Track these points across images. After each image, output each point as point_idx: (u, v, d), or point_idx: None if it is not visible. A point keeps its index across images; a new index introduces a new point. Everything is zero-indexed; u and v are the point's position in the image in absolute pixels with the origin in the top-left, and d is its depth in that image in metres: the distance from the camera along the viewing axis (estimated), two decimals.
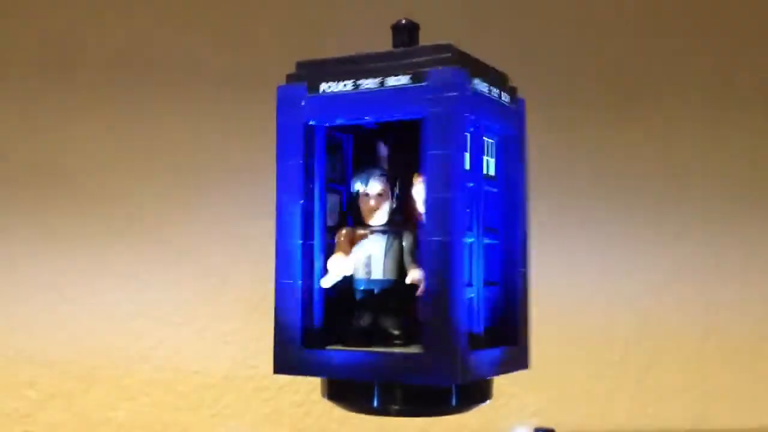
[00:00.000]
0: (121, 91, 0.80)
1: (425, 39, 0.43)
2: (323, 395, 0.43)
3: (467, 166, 0.41)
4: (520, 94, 0.46)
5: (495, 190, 0.44)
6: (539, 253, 0.82)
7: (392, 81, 0.40)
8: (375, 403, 0.40)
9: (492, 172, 0.44)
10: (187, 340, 0.78)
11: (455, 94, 0.39)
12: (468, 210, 0.41)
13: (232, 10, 0.82)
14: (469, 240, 0.41)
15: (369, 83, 0.40)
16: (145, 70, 0.80)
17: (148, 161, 0.80)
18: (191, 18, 0.82)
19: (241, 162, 0.80)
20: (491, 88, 0.42)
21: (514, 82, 0.46)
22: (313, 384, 0.70)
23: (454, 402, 0.40)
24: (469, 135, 0.41)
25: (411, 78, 0.40)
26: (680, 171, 0.87)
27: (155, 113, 0.80)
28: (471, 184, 0.41)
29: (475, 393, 0.42)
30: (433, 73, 0.39)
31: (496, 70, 0.44)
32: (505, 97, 0.44)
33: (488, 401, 0.43)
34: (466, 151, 0.40)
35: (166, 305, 0.78)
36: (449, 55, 0.40)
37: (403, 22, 0.43)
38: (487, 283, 0.42)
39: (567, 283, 0.85)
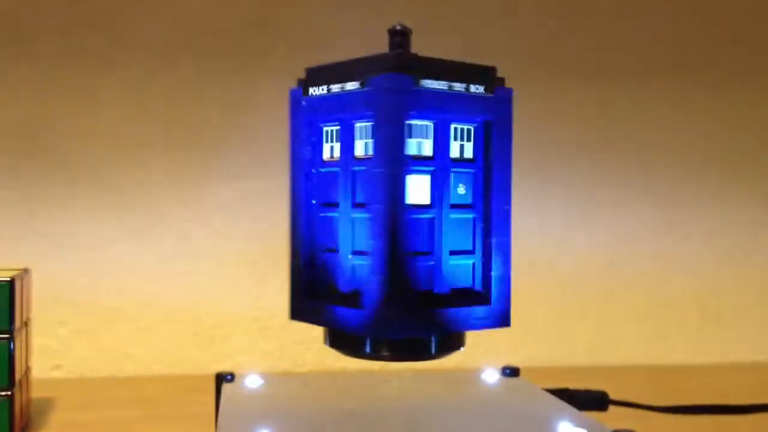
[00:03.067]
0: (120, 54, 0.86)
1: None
2: (325, 343, 0.51)
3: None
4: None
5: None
6: (518, 213, 0.90)
7: (473, 88, 0.49)
8: (368, 350, 0.49)
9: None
10: (199, 286, 0.86)
11: (510, 106, 0.50)
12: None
13: None
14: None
15: (458, 86, 0.49)
16: (134, 33, 0.87)
17: (162, 130, 0.86)
18: None
19: (241, 132, 0.87)
20: None
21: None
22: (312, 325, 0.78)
23: (434, 350, 0.49)
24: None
25: (485, 89, 0.49)
26: (645, 140, 0.95)
27: (159, 78, 0.86)
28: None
29: (452, 342, 0.49)
30: (501, 90, 0.49)
31: None
32: None
33: (462, 348, 0.51)
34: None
35: (180, 256, 0.86)
36: (500, 76, 0.50)
37: (398, 27, 0.50)
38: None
39: (537, 235, 0.93)
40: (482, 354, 0.84)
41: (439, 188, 0.49)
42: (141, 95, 0.86)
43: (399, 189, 0.46)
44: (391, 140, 0.46)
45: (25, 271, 0.64)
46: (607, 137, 0.94)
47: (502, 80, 0.50)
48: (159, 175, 0.86)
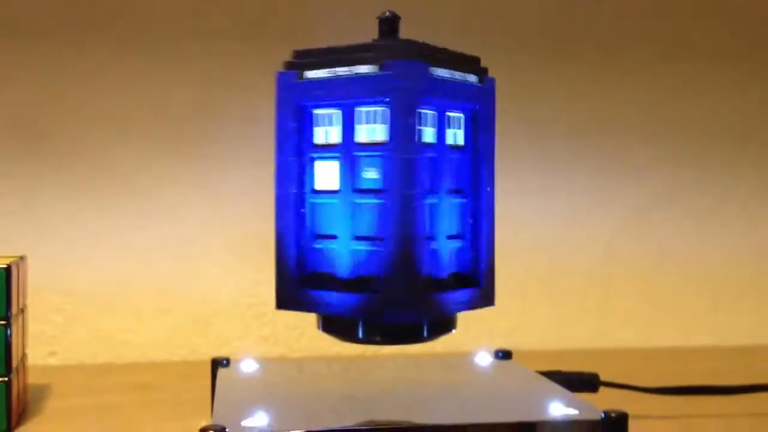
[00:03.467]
0: (131, 49, 0.86)
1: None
2: (318, 328, 0.52)
3: (428, 139, 0.49)
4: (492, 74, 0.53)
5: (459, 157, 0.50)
6: (518, 198, 0.91)
7: (362, 69, 0.47)
8: (360, 335, 0.49)
9: (460, 142, 0.51)
10: (196, 272, 0.87)
11: (412, 82, 0.46)
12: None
13: None
14: (432, 200, 0.49)
15: (342, 71, 0.48)
16: (137, 27, 0.87)
17: (159, 114, 0.86)
18: None
19: (238, 117, 0.87)
20: (454, 72, 0.50)
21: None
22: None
23: (426, 333, 0.50)
24: (433, 113, 0.49)
25: (378, 68, 0.47)
26: (643, 117, 0.96)
27: (160, 66, 0.86)
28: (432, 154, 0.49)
29: (441, 325, 0.50)
30: (394, 65, 0.46)
31: (465, 56, 0.52)
32: (472, 78, 0.52)
33: (453, 331, 0.51)
34: (420, 126, 0.48)
35: (177, 242, 0.86)
36: (408, 48, 0.47)
37: (387, 14, 0.50)
38: (453, 236, 0.50)
39: (538, 220, 0.93)
40: (474, 338, 0.85)
41: (346, 173, 0.49)
42: (140, 83, 0.86)
43: (302, 175, 0.49)
44: (284, 131, 0.49)
45: (21, 258, 0.65)
46: (607, 120, 0.94)
47: (410, 54, 0.47)
48: (156, 163, 0.86)
